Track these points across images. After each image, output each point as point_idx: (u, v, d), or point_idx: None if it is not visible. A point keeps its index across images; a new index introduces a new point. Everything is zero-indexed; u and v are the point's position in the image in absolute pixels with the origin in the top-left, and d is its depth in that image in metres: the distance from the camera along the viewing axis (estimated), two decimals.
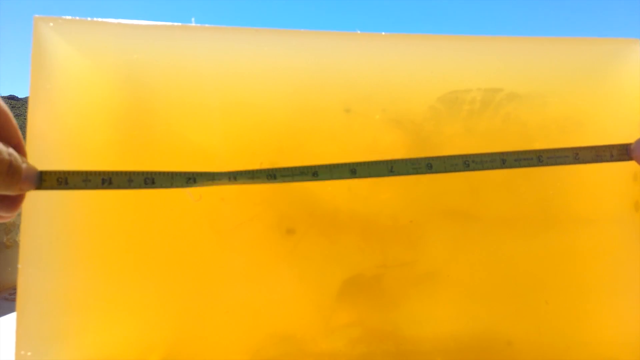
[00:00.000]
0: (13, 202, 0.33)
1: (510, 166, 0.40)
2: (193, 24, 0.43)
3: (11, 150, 0.31)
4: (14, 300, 0.39)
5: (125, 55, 0.42)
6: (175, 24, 0.43)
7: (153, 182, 0.36)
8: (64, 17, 0.41)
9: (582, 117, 0.47)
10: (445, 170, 0.39)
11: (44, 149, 0.40)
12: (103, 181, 0.35)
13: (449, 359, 0.45)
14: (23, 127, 0.38)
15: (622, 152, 0.40)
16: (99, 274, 0.42)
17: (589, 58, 0.47)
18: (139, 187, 0.36)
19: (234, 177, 0.38)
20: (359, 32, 0.45)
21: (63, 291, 0.41)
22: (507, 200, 0.46)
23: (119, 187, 0.36)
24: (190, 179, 0.37)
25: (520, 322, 0.46)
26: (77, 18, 0.42)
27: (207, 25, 0.43)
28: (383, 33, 0.45)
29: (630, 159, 0.40)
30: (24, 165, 0.32)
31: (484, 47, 0.46)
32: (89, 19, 0.42)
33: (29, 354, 0.39)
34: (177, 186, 0.37)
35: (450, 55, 0.46)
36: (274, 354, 0.44)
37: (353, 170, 0.39)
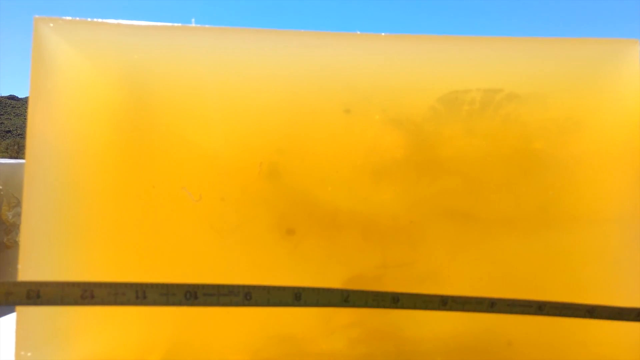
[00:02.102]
0: None
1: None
2: (193, 25, 0.43)
3: None
4: None
5: (125, 55, 0.42)
6: (175, 24, 0.43)
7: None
8: (64, 17, 0.41)
9: (581, 117, 0.47)
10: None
11: (44, 149, 0.40)
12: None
13: (449, 359, 0.45)
14: (23, 127, 0.38)
15: None
16: (99, 273, 0.42)
17: (588, 58, 0.47)
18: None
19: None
20: (359, 32, 0.45)
21: None
22: (507, 200, 0.46)
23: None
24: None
25: (520, 322, 0.46)
26: (77, 19, 0.42)
27: (207, 25, 0.43)
28: (383, 34, 0.45)
29: None
30: None
31: (484, 47, 0.46)
32: (88, 19, 0.42)
33: (29, 354, 0.39)
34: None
35: (450, 55, 0.46)
36: (274, 354, 0.44)
37: (298, 296, 0.37)
